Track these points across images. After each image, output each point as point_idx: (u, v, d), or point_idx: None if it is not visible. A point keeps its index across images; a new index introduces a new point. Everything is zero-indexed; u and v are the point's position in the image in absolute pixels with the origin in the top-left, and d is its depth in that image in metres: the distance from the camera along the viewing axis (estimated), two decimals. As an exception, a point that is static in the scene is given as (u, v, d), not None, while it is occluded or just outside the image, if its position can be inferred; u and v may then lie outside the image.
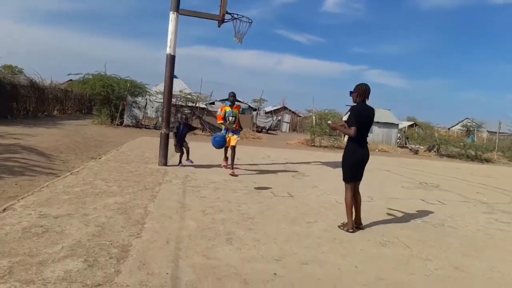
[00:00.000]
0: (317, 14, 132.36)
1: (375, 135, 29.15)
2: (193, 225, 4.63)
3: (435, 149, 26.09)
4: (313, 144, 22.69)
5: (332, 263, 3.86)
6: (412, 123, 51.04)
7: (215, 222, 4.82)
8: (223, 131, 8.97)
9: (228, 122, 8.96)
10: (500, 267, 4.17)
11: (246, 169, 9.76)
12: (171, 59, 8.89)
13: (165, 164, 8.91)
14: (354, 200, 5.08)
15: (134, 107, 22.43)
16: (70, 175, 7.03)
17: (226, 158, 9.51)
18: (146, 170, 8.23)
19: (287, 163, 12.09)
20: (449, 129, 52.56)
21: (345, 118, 32.58)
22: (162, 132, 9.04)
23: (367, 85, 5.03)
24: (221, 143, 8.56)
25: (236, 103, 9.25)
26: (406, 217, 6.12)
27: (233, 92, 9.28)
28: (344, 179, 5.08)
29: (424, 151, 26.37)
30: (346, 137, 5.17)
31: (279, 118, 43.25)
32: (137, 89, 22.66)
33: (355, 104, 5.05)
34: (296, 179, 9.04)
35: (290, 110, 58.36)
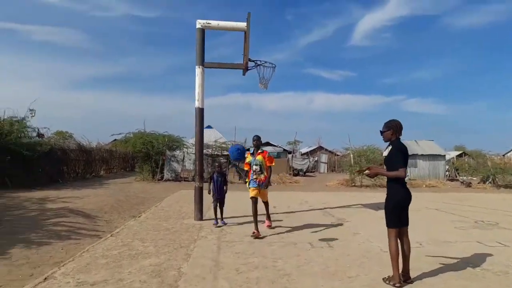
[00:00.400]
0: (345, 49, 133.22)
1: (420, 169, 27.97)
2: (226, 286, 4.53)
3: (490, 180, 24.38)
4: (353, 184, 21.95)
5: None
6: (460, 152, 48.65)
7: (249, 282, 4.68)
8: (248, 182, 7.89)
9: (253, 172, 7.68)
10: None
11: (282, 219, 9.56)
12: (200, 112, 9.12)
13: (201, 218, 8.94)
14: (402, 248, 4.64)
15: (172, 161, 23.00)
16: (110, 236, 7.18)
17: (256, 224, 7.59)
18: (183, 226, 8.27)
19: (325, 208, 11.76)
20: (503, 155, 49.34)
21: (385, 153, 31.48)
22: (196, 185, 9.14)
23: (398, 121, 4.79)
24: (238, 156, 8.11)
25: (262, 148, 7.93)
26: (462, 265, 5.50)
27: (256, 136, 7.92)
28: (387, 224, 4.60)
29: (478, 183, 24.69)
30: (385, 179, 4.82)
31: (316, 159, 42.63)
32: (175, 143, 23.34)
33: (393, 141, 4.73)
34: (336, 226, 8.73)
35: (326, 150, 57.37)
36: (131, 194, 15.00)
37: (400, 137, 4.77)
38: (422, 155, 28.50)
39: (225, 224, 8.53)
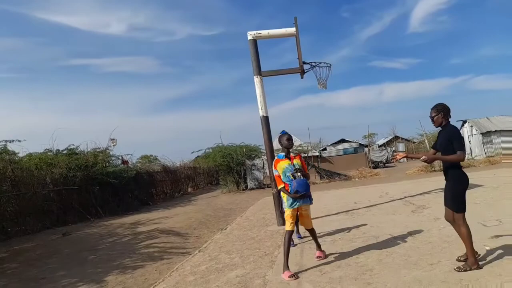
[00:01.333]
0: (405, 37, 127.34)
1: (496, 145, 27.02)
2: (308, 287, 4.59)
3: None
4: (433, 169, 20.84)
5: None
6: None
7: (333, 282, 4.69)
8: (285, 202, 5.54)
9: (293, 188, 5.36)
10: None
11: (363, 213, 9.45)
12: (265, 121, 9.32)
13: (284, 223, 9.01)
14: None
15: (253, 169, 23.51)
16: (198, 252, 7.48)
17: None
18: (267, 233, 8.44)
19: (405, 197, 11.36)
20: None
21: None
22: (273, 192, 9.26)
23: (445, 104, 4.69)
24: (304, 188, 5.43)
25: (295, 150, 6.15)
26: None
27: (287, 134, 5.84)
28: (458, 210, 4.48)
29: None
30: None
31: (393, 149, 41.85)
32: (253, 152, 23.83)
33: (445, 125, 4.65)
34: (416, 214, 8.44)
35: (402, 138, 56.08)
36: (218, 207, 15.53)
37: (450, 119, 4.68)
38: (496, 131, 27.63)
39: (301, 238, 7.29)
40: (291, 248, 5.80)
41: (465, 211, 4.49)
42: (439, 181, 14.56)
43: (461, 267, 4.45)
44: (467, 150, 27.70)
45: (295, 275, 5.06)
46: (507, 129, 26.95)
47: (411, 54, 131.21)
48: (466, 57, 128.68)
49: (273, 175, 5.84)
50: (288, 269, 5.14)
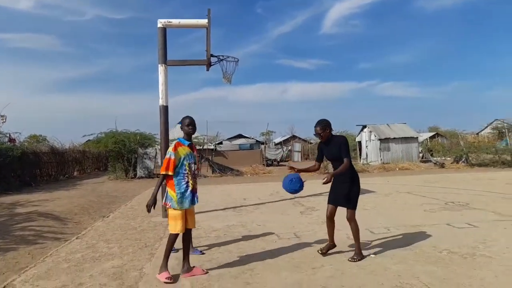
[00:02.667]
0: (317, 37, 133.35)
1: (393, 152, 28.41)
2: (187, 285, 4.46)
3: (463, 159, 24.71)
4: (326, 171, 22.08)
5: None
6: (434, 133, 49.19)
7: (211, 279, 4.59)
8: (175, 200, 4.68)
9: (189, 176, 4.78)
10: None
11: (252, 210, 9.58)
12: (164, 110, 9.07)
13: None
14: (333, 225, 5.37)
15: (145, 158, 22.88)
16: (76, 239, 7.04)
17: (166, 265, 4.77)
18: (150, 224, 8.17)
19: (296, 197, 11.62)
20: (477, 134, 49.76)
21: (358, 139, 32.65)
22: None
23: (326, 119, 5.26)
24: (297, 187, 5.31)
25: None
26: (429, 249, 5.50)
27: (190, 118, 4.98)
28: (355, 207, 5.12)
29: (451, 163, 24.94)
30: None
31: (290, 148, 43.14)
32: (147, 141, 23.26)
33: (332, 137, 5.21)
34: (305, 215, 8.73)
35: (300, 138, 58.00)
36: (103, 193, 14.79)
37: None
38: (394, 138, 28.84)
39: (201, 253, 5.85)
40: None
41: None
42: (330, 183, 15.45)
43: (355, 257, 5.03)
44: (363, 155, 29.67)
45: (172, 278, 4.58)
46: (406, 136, 28.94)
47: (319, 55, 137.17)
48: (375, 62, 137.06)
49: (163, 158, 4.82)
50: (167, 270, 4.69)
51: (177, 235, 4.75)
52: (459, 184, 14.11)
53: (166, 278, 4.56)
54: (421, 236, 6.32)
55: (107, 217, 9.39)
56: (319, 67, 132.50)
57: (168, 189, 4.75)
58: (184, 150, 4.78)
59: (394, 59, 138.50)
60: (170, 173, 4.62)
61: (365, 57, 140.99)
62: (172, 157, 4.64)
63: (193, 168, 4.84)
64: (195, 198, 4.91)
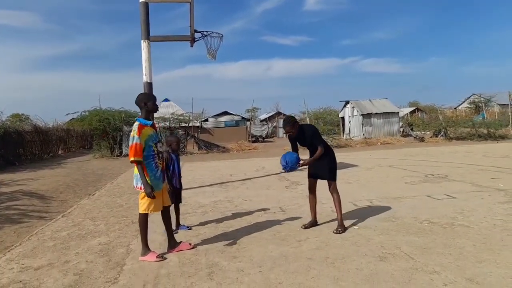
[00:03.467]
0: (300, 14, 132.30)
1: (375, 127, 28.71)
2: (174, 260, 4.49)
3: (442, 133, 25.28)
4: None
5: (321, 290, 3.53)
6: (414, 108, 49.82)
7: (198, 254, 4.65)
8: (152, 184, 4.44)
9: (155, 155, 4.58)
10: (523, 272, 3.65)
11: (238, 186, 9.65)
12: (149, 87, 8.96)
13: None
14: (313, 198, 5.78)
15: (130, 136, 22.37)
16: (61, 217, 7.01)
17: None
18: (137, 201, 8.00)
19: (281, 172, 11.76)
20: (455, 108, 50.51)
21: (341, 114, 32.88)
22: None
23: (290, 115, 6.00)
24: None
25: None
26: (410, 220, 5.65)
27: (153, 95, 4.94)
28: (335, 178, 5.51)
29: (431, 137, 25.49)
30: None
31: (275, 124, 43.27)
32: (132, 119, 22.77)
33: (302, 128, 5.49)
34: (290, 190, 8.83)
35: (285, 115, 58.05)
36: (89, 171, 14.71)
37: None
38: (376, 113, 29.12)
39: (188, 228, 5.88)
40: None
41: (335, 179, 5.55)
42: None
43: (339, 229, 5.27)
44: (346, 131, 29.90)
45: (161, 256, 4.57)
46: (387, 111, 29.15)
47: (303, 32, 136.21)
48: (357, 38, 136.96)
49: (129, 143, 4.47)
50: (150, 250, 4.60)
51: (147, 214, 4.62)
52: (438, 157, 14.49)
53: (156, 258, 4.51)
54: (403, 207, 6.48)
55: (93, 195, 9.34)
56: (303, 43, 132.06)
57: (137, 171, 4.48)
58: (148, 131, 4.52)
59: (376, 35, 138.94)
60: (140, 159, 4.36)
61: (348, 33, 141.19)
62: (138, 142, 4.35)
63: (158, 147, 4.65)
64: (164, 176, 4.83)
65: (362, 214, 6.20)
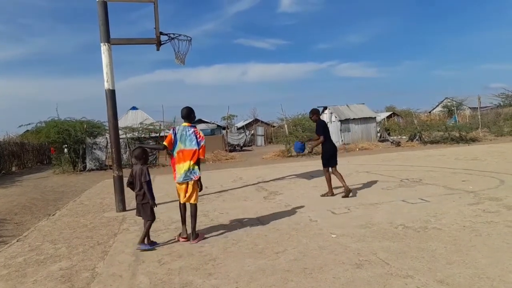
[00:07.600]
0: (275, 16, 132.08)
1: (353, 133, 28.85)
2: (145, 281, 4.08)
3: (417, 138, 25.70)
4: (289, 154, 21.94)
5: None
6: (391, 113, 50.66)
7: (171, 273, 4.27)
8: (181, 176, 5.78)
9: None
10: (488, 271, 3.74)
11: (214, 199, 9.21)
12: (111, 94, 8.32)
13: (124, 209, 8.18)
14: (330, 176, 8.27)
15: (95, 148, 21.23)
16: (17, 242, 6.32)
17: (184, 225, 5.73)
18: (103, 220, 7.54)
19: (259, 182, 11.55)
20: (429, 112, 51.95)
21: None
22: (114, 175, 8.34)
23: (315, 108, 8.74)
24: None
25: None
26: (386, 225, 5.67)
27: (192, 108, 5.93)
28: (323, 166, 8.31)
29: (406, 141, 26.02)
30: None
31: (252, 132, 42.31)
32: (95, 129, 21.75)
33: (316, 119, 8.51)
34: (268, 200, 8.51)
35: (262, 122, 57.93)
36: (48, 189, 13.84)
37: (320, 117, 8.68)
38: (354, 119, 29.23)
39: (154, 245, 5.44)
40: (133, 233, 5.87)
41: (326, 166, 8.27)
42: (294, 167, 15.54)
43: (323, 194, 8.32)
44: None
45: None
46: (364, 116, 29.21)
47: (279, 35, 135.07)
48: (333, 42, 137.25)
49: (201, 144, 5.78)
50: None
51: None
52: (413, 161, 14.71)
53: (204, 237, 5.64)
54: (379, 213, 6.52)
55: (53, 215, 8.58)
56: (279, 47, 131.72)
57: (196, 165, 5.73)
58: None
59: (351, 39, 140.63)
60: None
61: (324, 37, 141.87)
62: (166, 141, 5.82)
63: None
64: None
65: (340, 221, 6.15)
